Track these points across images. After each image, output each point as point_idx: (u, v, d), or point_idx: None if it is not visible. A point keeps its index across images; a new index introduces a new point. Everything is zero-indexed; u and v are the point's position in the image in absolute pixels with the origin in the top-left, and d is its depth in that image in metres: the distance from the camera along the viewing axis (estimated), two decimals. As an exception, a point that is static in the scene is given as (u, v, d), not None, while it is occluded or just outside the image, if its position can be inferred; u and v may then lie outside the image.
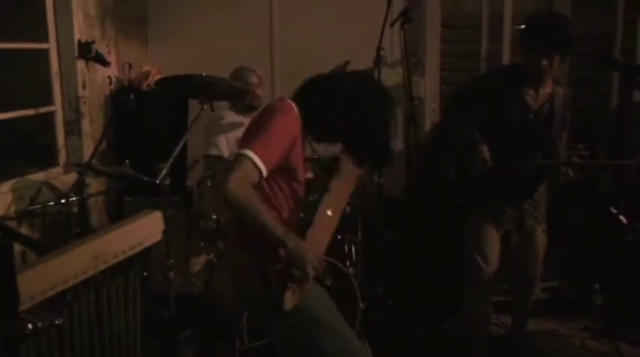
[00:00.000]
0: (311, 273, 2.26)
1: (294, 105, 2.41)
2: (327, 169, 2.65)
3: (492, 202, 3.52)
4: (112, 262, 1.44)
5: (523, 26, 3.40)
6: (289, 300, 2.28)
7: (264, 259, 2.30)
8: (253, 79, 4.15)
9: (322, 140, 2.59)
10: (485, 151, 3.38)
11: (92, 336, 1.41)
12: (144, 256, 1.58)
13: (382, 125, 2.49)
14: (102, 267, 1.40)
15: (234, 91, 3.91)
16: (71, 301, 1.36)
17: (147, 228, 1.58)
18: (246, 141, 2.28)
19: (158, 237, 1.61)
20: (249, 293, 2.42)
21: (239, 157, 2.19)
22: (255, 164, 2.18)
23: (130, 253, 1.49)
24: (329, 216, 2.50)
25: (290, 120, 2.34)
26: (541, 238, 3.62)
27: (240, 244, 2.37)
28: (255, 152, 2.19)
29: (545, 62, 3.23)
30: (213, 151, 3.94)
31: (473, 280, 3.59)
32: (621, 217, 3.80)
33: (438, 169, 3.77)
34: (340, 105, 2.42)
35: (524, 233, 3.60)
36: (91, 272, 1.37)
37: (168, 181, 3.37)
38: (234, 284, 2.56)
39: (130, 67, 4.65)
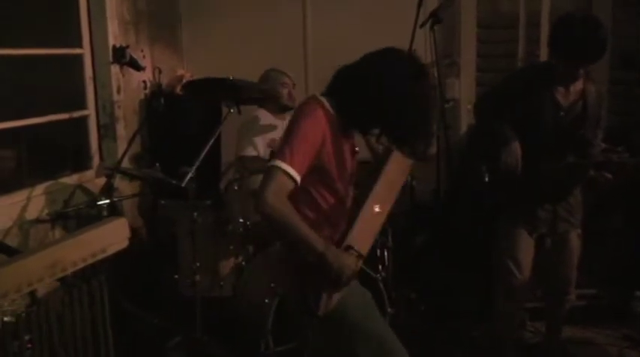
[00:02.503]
0: (346, 285, 2.29)
1: (324, 101, 2.37)
2: (379, 162, 2.57)
3: (525, 204, 3.43)
4: (71, 269, 1.43)
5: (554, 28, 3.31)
6: (324, 305, 2.28)
7: (303, 261, 2.28)
8: (284, 80, 4.13)
9: (363, 129, 2.54)
10: (517, 147, 3.29)
11: (52, 343, 1.40)
12: (109, 263, 1.56)
13: (417, 102, 2.39)
14: (60, 274, 1.39)
15: (263, 95, 3.91)
16: (28, 309, 1.35)
17: (110, 235, 1.55)
18: (278, 150, 2.27)
19: (123, 244, 1.59)
20: (286, 290, 2.44)
21: (271, 170, 2.19)
22: (287, 174, 2.18)
23: (91, 261, 1.47)
24: (376, 212, 2.43)
25: (315, 121, 2.30)
26: (575, 243, 3.51)
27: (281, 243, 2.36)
28: (286, 162, 2.18)
29: (573, 68, 3.15)
30: (251, 152, 3.92)
31: (504, 287, 3.50)
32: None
33: (471, 171, 3.69)
34: (372, 88, 2.34)
35: (557, 238, 3.50)
36: (48, 280, 1.35)
37: (194, 185, 3.38)
38: (275, 278, 2.52)
39: (160, 71, 4.70)
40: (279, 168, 2.17)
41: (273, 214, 2.15)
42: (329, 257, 2.21)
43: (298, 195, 2.31)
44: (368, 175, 2.56)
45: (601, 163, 3.23)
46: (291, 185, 2.19)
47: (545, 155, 3.31)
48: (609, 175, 3.21)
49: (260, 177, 3.51)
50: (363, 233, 2.38)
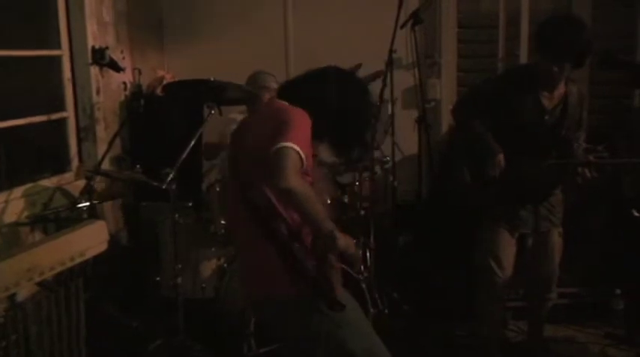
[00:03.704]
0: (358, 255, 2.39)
1: None
2: None
3: (507, 204, 3.44)
4: (49, 273, 1.40)
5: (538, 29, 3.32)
6: (339, 295, 2.27)
7: (300, 259, 2.28)
8: (271, 83, 4.12)
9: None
10: (501, 159, 3.32)
11: (29, 346, 1.38)
12: (87, 266, 1.53)
13: (361, 113, 2.55)
14: (37, 279, 1.36)
15: (245, 96, 3.89)
16: (5, 314, 1.33)
17: (88, 238, 1.53)
18: (279, 136, 2.21)
19: (102, 247, 1.56)
20: (293, 298, 2.35)
21: (283, 150, 2.16)
22: (299, 154, 2.17)
23: (69, 265, 1.44)
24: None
25: (306, 117, 2.34)
26: (557, 241, 3.53)
27: (278, 250, 2.33)
28: (296, 143, 2.17)
29: (555, 69, 3.16)
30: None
31: (486, 286, 3.52)
32: (643, 220, 3.68)
33: (453, 172, 3.70)
34: (320, 99, 2.44)
35: (539, 237, 3.51)
36: (25, 284, 1.33)
37: (174, 186, 3.35)
38: (267, 293, 2.46)
39: (140, 72, 4.66)
40: (292, 148, 2.16)
41: (297, 189, 2.12)
42: (337, 232, 2.21)
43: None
44: None
45: (581, 164, 3.25)
46: (301, 166, 2.19)
47: (528, 157, 3.33)
48: (589, 175, 3.23)
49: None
50: None
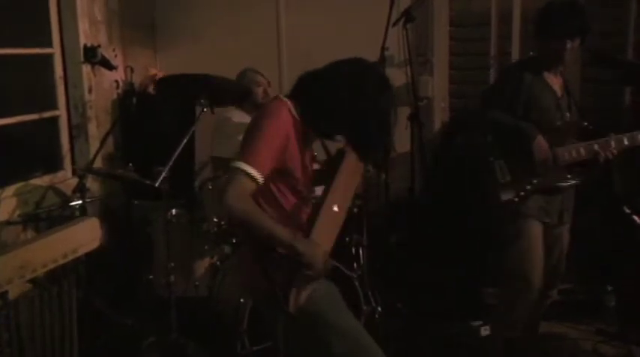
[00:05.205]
0: (322, 273, 2.32)
1: (288, 103, 2.36)
2: (332, 163, 2.59)
3: (536, 197, 3.32)
4: (41, 270, 1.40)
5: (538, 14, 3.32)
6: (294, 301, 2.28)
7: (267, 260, 2.28)
8: (258, 79, 4.14)
9: (324, 135, 2.53)
10: (542, 140, 3.23)
11: (22, 344, 1.37)
12: (80, 263, 1.53)
13: (382, 112, 2.41)
14: (29, 276, 1.37)
15: (238, 92, 3.90)
16: None
17: (81, 236, 1.53)
18: (240, 151, 2.26)
19: (94, 245, 1.56)
20: (256, 292, 2.43)
21: (233, 171, 2.20)
22: (249, 175, 2.18)
23: (62, 262, 1.44)
24: (335, 212, 2.45)
25: (279, 122, 2.29)
26: (567, 237, 3.49)
27: (246, 245, 2.35)
28: (248, 163, 2.19)
29: (568, 45, 3.18)
30: (220, 153, 3.93)
31: (518, 292, 3.38)
32: (635, 218, 3.68)
33: (481, 175, 3.56)
34: (339, 94, 2.35)
35: (558, 229, 3.43)
36: (17, 281, 1.33)
37: (167, 185, 3.35)
38: (243, 282, 2.56)
39: (132, 70, 4.66)
40: (240, 169, 2.19)
41: (236, 215, 2.20)
42: (299, 247, 2.23)
43: (261, 195, 2.31)
44: (319, 175, 2.60)
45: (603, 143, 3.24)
46: (252, 186, 2.20)
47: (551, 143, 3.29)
48: (614, 151, 3.22)
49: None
50: (325, 232, 2.39)
